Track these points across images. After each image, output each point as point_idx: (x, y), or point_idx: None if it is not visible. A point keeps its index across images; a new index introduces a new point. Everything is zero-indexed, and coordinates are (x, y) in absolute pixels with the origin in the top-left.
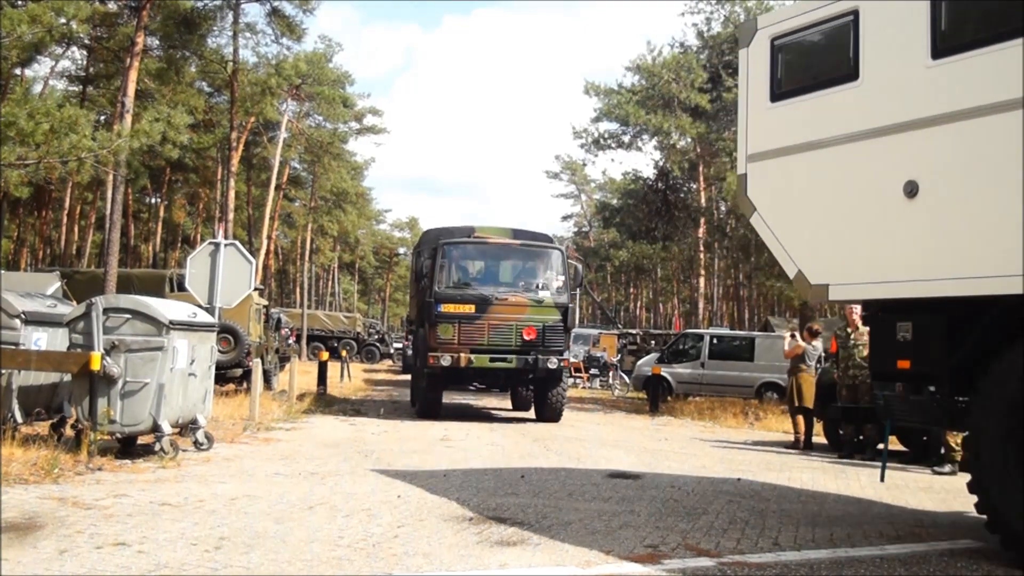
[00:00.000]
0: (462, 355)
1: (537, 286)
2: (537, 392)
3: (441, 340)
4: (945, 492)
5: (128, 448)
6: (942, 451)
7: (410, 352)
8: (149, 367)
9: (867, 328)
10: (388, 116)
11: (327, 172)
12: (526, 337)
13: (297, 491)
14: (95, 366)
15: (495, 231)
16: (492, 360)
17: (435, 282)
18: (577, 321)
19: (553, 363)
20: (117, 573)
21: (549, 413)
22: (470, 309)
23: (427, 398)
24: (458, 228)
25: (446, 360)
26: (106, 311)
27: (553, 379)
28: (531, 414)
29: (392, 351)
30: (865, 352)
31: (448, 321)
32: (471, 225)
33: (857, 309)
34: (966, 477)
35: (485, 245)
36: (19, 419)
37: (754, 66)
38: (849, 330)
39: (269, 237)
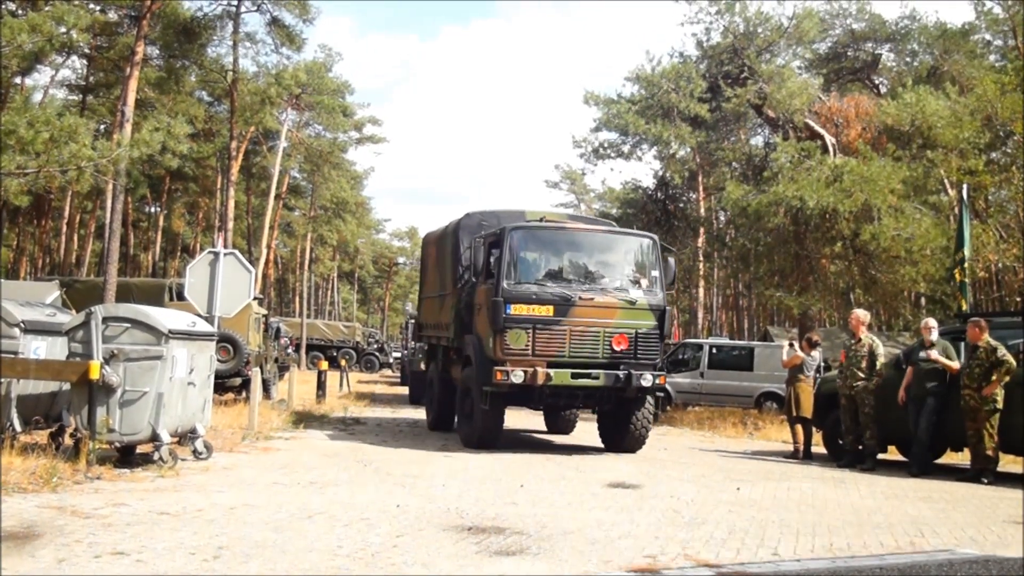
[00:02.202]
0: (539, 370)
1: (628, 284)
2: (615, 415)
3: (511, 350)
4: (944, 502)
5: (127, 457)
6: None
7: (419, 361)
8: (148, 376)
9: (869, 339)
10: (387, 126)
11: (327, 181)
12: (616, 347)
13: (296, 500)
14: (94, 375)
15: (552, 216)
16: (574, 376)
17: (502, 277)
18: None
19: (647, 380)
20: None
21: (630, 442)
22: (547, 312)
23: (487, 424)
24: (505, 212)
25: (518, 376)
26: (105, 320)
27: (639, 400)
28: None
29: (391, 360)
30: (864, 364)
31: (520, 326)
32: (520, 209)
33: (860, 317)
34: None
35: (563, 232)
36: (18, 428)
37: None
38: (853, 340)
39: (268, 246)
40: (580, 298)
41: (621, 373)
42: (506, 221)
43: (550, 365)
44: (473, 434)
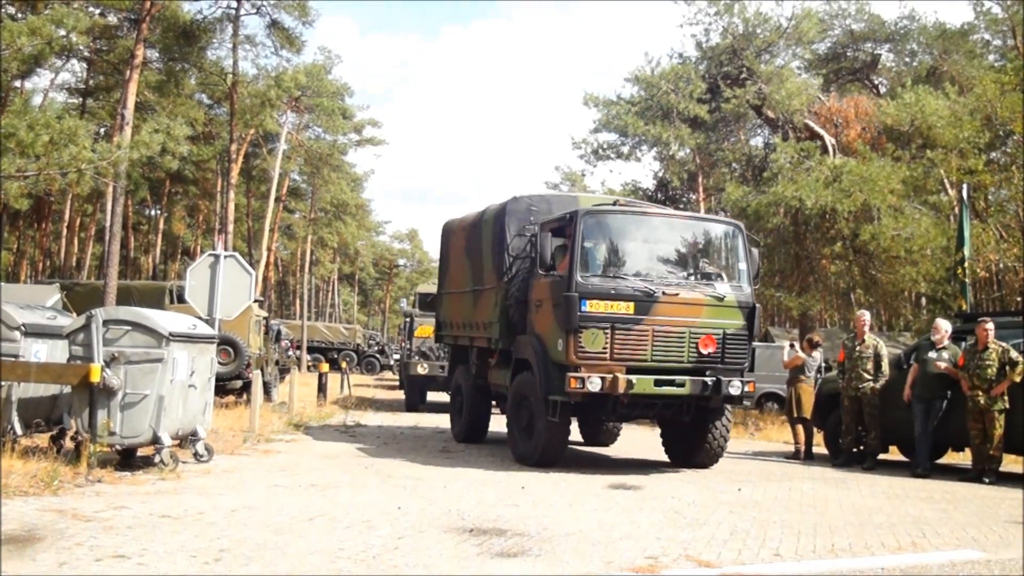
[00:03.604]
0: (619, 376)
1: (712, 277)
2: (686, 426)
3: (587, 353)
4: (946, 502)
5: (128, 460)
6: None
7: (415, 364)
8: (149, 379)
9: (874, 340)
10: (387, 127)
11: (327, 184)
12: (702, 350)
13: (297, 503)
14: (95, 378)
15: (604, 200)
16: (658, 384)
17: (575, 268)
18: None
19: (736, 387)
20: None
21: (705, 457)
22: (628, 309)
23: (552, 439)
24: (556, 196)
25: (594, 384)
26: (106, 323)
27: (718, 409)
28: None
29: (392, 363)
30: (869, 365)
31: (598, 326)
32: (572, 194)
33: (866, 318)
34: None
35: (641, 217)
36: (19, 431)
37: None
38: (856, 341)
39: (269, 249)
40: (664, 293)
41: (709, 380)
42: (558, 206)
43: (630, 371)
44: (534, 451)
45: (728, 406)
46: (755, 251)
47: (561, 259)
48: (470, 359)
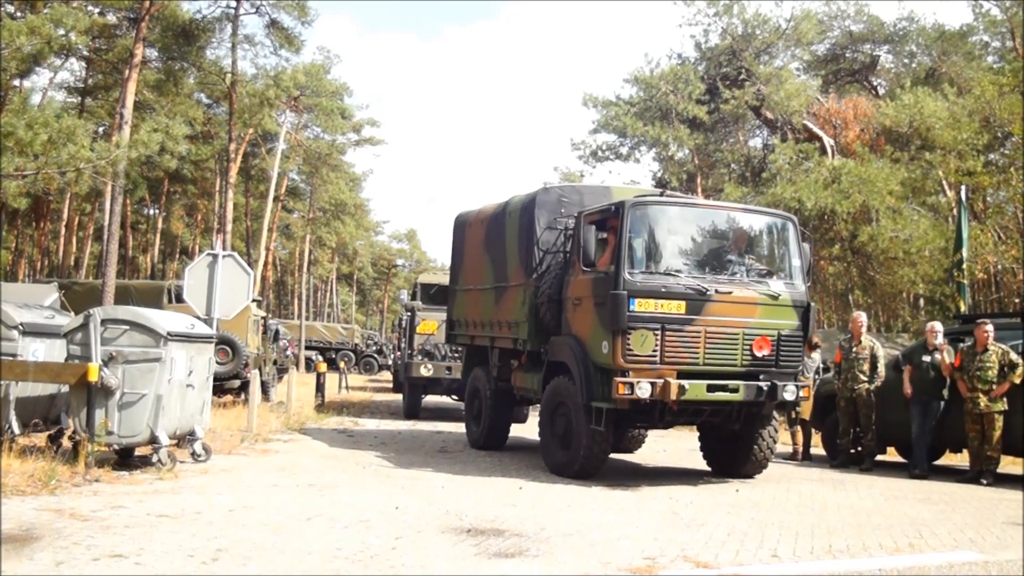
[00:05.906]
0: (670, 381)
1: (765, 274)
2: (730, 432)
3: (635, 356)
4: (944, 504)
5: (125, 459)
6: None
7: (417, 365)
8: (147, 378)
9: (870, 342)
10: (386, 127)
11: (325, 183)
12: (757, 352)
13: (295, 502)
14: (93, 377)
15: (648, 191)
16: (711, 389)
17: (623, 264)
18: None
19: (791, 392)
20: None
21: (751, 466)
22: (679, 308)
23: (594, 448)
24: (587, 187)
25: (644, 389)
26: (104, 322)
27: (764, 416)
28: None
29: (390, 363)
30: (865, 366)
31: (647, 327)
32: (604, 184)
33: (862, 320)
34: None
35: (692, 209)
36: (16, 430)
37: None
38: (852, 342)
39: (267, 248)
40: (717, 292)
41: (763, 384)
42: (590, 197)
43: (680, 375)
44: (573, 461)
45: (776, 414)
46: (807, 246)
47: (601, 254)
48: (490, 360)
